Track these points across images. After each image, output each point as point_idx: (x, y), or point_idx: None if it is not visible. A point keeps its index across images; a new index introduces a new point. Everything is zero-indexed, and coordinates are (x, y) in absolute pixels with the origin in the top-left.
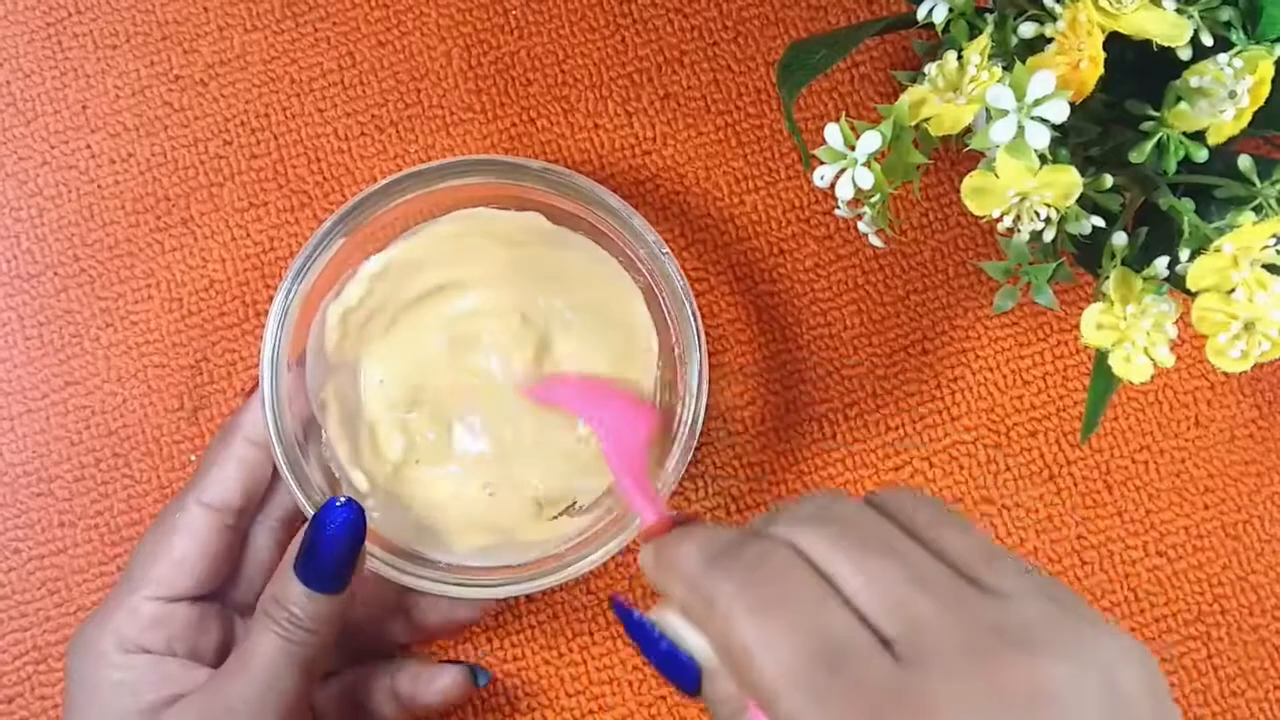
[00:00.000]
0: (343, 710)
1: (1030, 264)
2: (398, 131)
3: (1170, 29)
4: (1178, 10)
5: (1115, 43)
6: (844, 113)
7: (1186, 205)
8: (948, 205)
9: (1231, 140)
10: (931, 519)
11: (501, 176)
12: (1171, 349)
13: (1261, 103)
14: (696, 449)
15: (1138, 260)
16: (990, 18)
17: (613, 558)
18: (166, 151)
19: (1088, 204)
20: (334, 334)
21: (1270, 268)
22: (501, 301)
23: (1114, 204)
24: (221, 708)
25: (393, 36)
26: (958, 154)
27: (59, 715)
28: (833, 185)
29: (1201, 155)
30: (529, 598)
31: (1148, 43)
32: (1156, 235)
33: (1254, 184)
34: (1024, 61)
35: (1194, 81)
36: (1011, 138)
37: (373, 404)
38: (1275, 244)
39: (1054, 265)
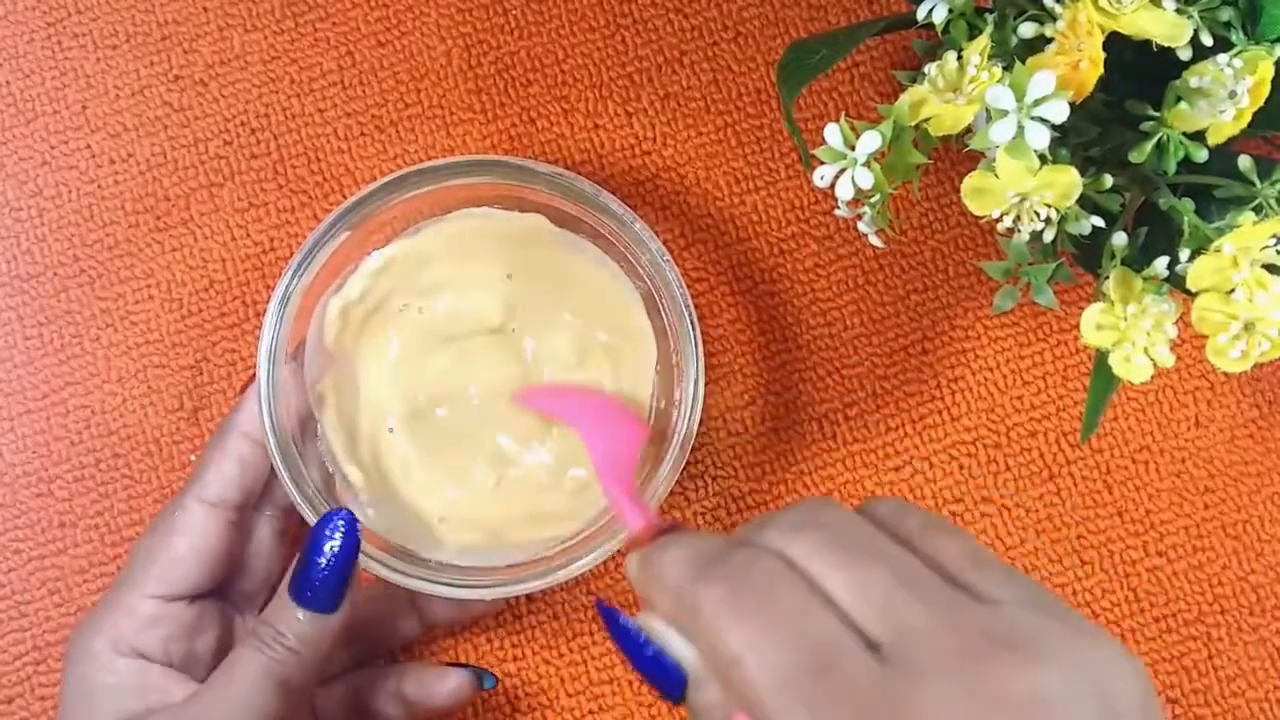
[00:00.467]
0: (348, 713)
1: (1030, 264)
2: (398, 131)
3: (1170, 29)
4: (1178, 10)
5: (1115, 43)
6: (844, 113)
7: (1186, 205)
8: (948, 205)
9: (1231, 140)
10: (921, 525)
11: (508, 178)
12: (1171, 349)
13: (1261, 103)
14: (696, 449)
15: (1138, 260)
16: (990, 18)
17: (612, 557)
18: (166, 151)
19: (1088, 204)
20: (333, 327)
21: (1270, 268)
22: (502, 301)
23: (1114, 204)
24: None
25: (393, 36)
26: (958, 154)
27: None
28: (833, 185)
29: (1201, 155)
30: (529, 597)
31: (1148, 43)
32: (1156, 235)
33: (1254, 184)
34: (1024, 62)
35: (1194, 82)
36: (1011, 138)
37: (370, 399)
38: (1275, 244)
39: (1054, 265)
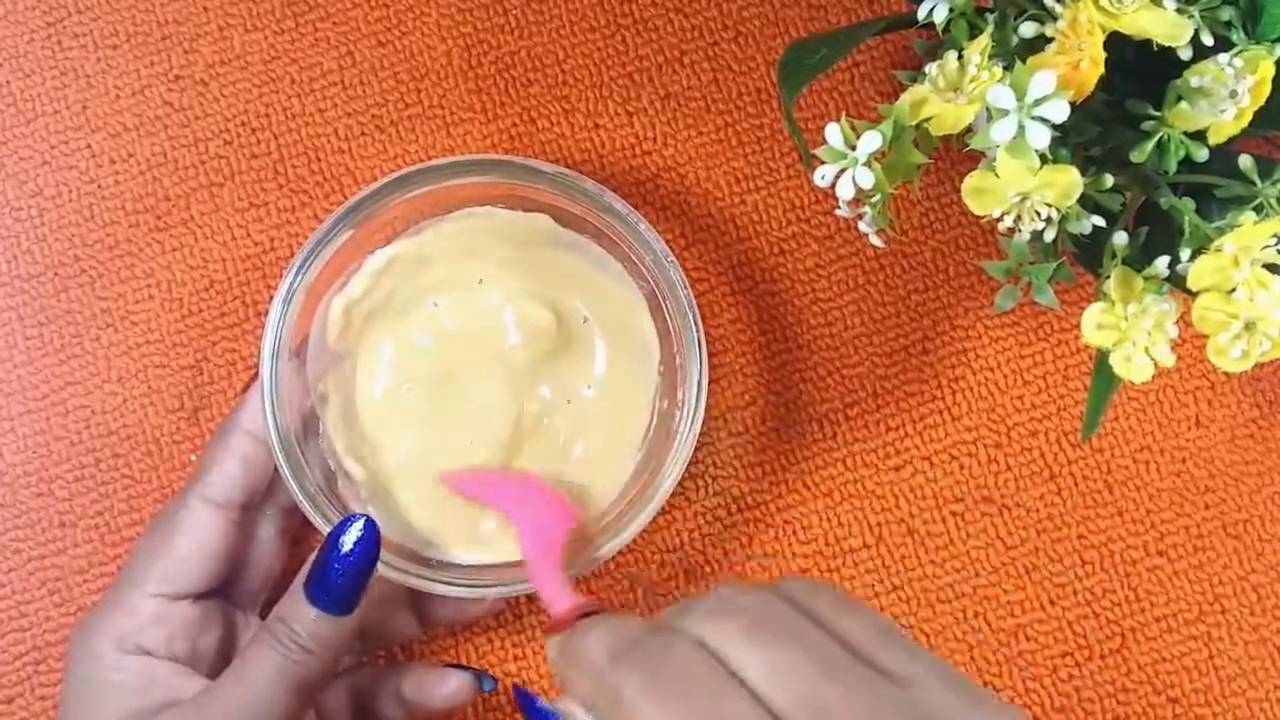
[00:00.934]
0: (348, 712)
1: (1031, 264)
2: (398, 131)
3: (1171, 29)
4: (1178, 10)
5: (1116, 42)
6: (844, 112)
7: (1187, 205)
8: (948, 205)
9: (1232, 140)
10: (830, 604)
11: (512, 177)
12: (1172, 349)
13: (1262, 102)
14: (697, 449)
15: (1138, 260)
16: (991, 17)
17: (612, 558)
18: (166, 151)
19: (1088, 204)
20: (336, 326)
21: (1271, 267)
22: (505, 301)
23: (1114, 204)
24: None
25: (393, 36)
26: (958, 154)
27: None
28: (833, 185)
29: (1202, 155)
30: (529, 597)
31: (1148, 43)
32: (1157, 235)
33: (1254, 183)
34: (1024, 61)
35: (1194, 81)
36: (1012, 137)
37: (372, 397)
38: (1276, 243)
39: (1054, 265)
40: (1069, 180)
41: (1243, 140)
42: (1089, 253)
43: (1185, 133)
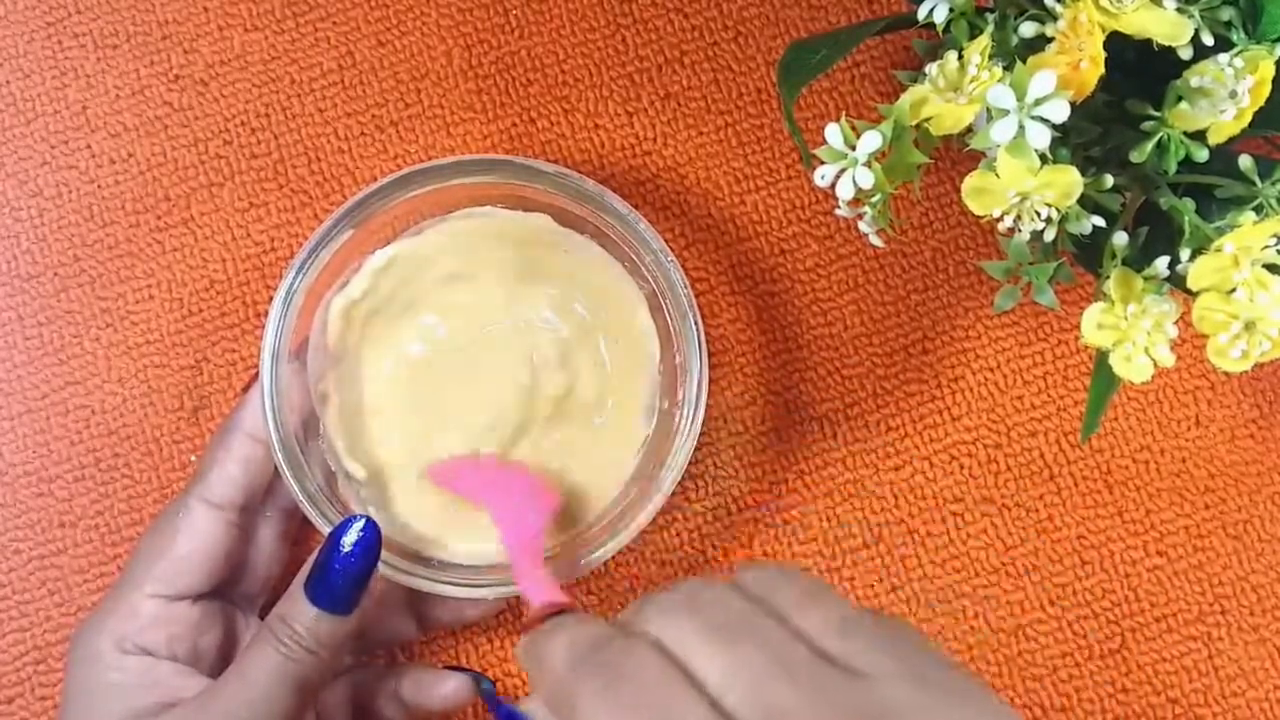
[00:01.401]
0: (347, 712)
1: (1031, 264)
2: (398, 131)
3: (1171, 29)
4: (1178, 10)
5: (1116, 42)
6: (844, 112)
7: (1187, 205)
8: (948, 205)
9: (1232, 140)
10: (793, 596)
11: (513, 177)
12: (1172, 349)
13: (1262, 102)
14: (697, 449)
15: (1138, 260)
16: (991, 17)
17: (612, 558)
18: (166, 151)
19: (1088, 204)
20: (336, 326)
21: (1271, 267)
22: (505, 301)
23: (1114, 204)
24: None
25: (393, 36)
26: (958, 154)
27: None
28: (833, 185)
29: (1202, 155)
30: None
31: (1148, 43)
32: (1157, 235)
33: (1254, 184)
34: (1024, 61)
35: (1194, 81)
36: (1012, 137)
37: (372, 397)
38: (1276, 244)
39: (1054, 265)
40: (1069, 180)
41: (1243, 140)
42: (1089, 253)
43: (1185, 133)
